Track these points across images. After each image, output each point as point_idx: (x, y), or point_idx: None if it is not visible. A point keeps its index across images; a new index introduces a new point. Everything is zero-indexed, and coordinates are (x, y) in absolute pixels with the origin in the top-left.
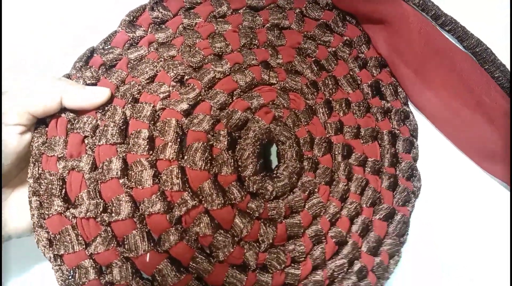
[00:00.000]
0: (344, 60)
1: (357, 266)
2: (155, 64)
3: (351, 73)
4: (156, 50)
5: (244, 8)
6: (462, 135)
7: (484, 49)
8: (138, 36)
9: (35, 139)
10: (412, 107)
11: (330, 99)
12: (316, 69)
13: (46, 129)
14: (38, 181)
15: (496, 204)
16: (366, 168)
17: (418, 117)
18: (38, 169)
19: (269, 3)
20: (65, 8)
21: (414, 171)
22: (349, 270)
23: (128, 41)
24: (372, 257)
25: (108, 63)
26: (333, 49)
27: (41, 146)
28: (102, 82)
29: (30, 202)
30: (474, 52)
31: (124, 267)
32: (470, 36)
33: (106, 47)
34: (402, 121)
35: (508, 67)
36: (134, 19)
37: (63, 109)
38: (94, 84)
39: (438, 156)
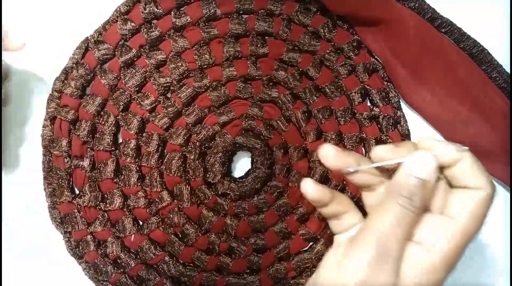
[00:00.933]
0: (329, 67)
1: None
2: (144, 74)
3: (336, 80)
4: (146, 55)
5: (232, 14)
6: (459, 134)
7: (480, 50)
8: (129, 34)
9: (44, 135)
10: (408, 108)
11: (309, 108)
12: (295, 79)
13: (52, 126)
14: (50, 174)
15: (496, 205)
16: None
17: (415, 117)
18: (49, 162)
19: (259, 8)
20: None
21: None
22: (319, 265)
23: (121, 40)
24: None
25: (101, 60)
26: (319, 56)
27: (49, 145)
28: (96, 84)
29: (44, 189)
30: (471, 54)
31: (115, 243)
32: (467, 38)
33: (98, 41)
34: (391, 126)
35: (506, 67)
36: (127, 13)
37: (62, 110)
38: (89, 82)
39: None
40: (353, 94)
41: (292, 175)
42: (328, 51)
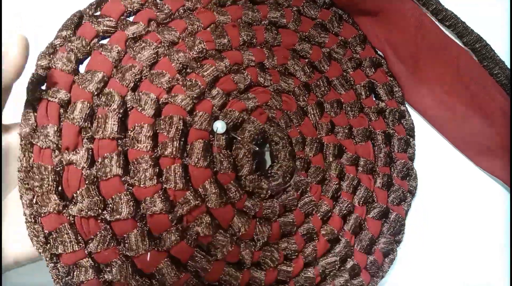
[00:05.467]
0: (338, 61)
1: (349, 264)
2: (157, 49)
3: (344, 73)
4: (156, 31)
5: (243, 0)
6: (457, 132)
7: (483, 45)
8: (134, 8)
9: (23, 126)
10: (408, 106)
11: (322, 100)
12: (308, 71)
13: (35, 114)
14: (30, 175)
15: (495, 203)
16: (358, 168)
17: (414, 116)
18: (29, 161)
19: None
20: None
21: (410, 170)
22: (341, 268)
23: (125, 13)
24: (365, 255)
25: (101, 34)
26: (328, 49)
27: (31, 135)
28: (96, 58)
29: (21, 197)
30: (474, 48)
31: (124, 266)
32: (470, 32)
33: (97, 14)
34: (397, 121)
35: (507, 64)
36: None
37: (49, 91)
38: (85, 58)
39: (437, 155)
40: (360, 88)
41: (312, 170)
42: (336, 45)
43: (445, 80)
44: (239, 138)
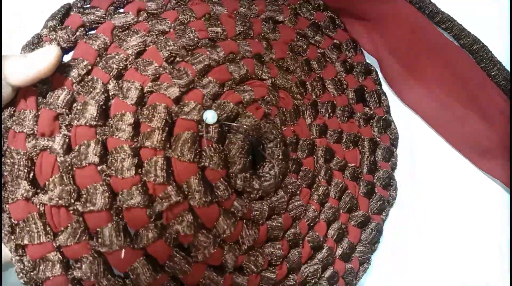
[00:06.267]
0: (332, 62)
1: (329, 272)
2: (145, 37)
3: (338, 76)
4: (146, 20)
5: None
6: (457, 133)
7: (481, 47)
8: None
9: (2, 111)
10: (403, 107)
11: (317, 101)
12: (306, 69)
13: (15, 100)
14: (3, 160)
15: (495, 204)
16: (345, 174)
17: (412, 116)
18: (3, 146)
19: None
20: None
21: (391, 180)
22: (321, 276)
23: (114, 4)
24: (344, 263)
25: (88, 25)
26: (322, 50)
27: (8, 120)
28: (81, 47)
29: None
30: (471, 50)
31: (96, 262)
32: (467, 34)
33: (85, 6)
34: (383, 130)
35: (506, 65)
36: None
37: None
38: (71, 48)
39: (437, 155)
40: (352, 92)
41: (303, 173)
42: (332, 45)
43: (443, 80)
44: (234, 126)
